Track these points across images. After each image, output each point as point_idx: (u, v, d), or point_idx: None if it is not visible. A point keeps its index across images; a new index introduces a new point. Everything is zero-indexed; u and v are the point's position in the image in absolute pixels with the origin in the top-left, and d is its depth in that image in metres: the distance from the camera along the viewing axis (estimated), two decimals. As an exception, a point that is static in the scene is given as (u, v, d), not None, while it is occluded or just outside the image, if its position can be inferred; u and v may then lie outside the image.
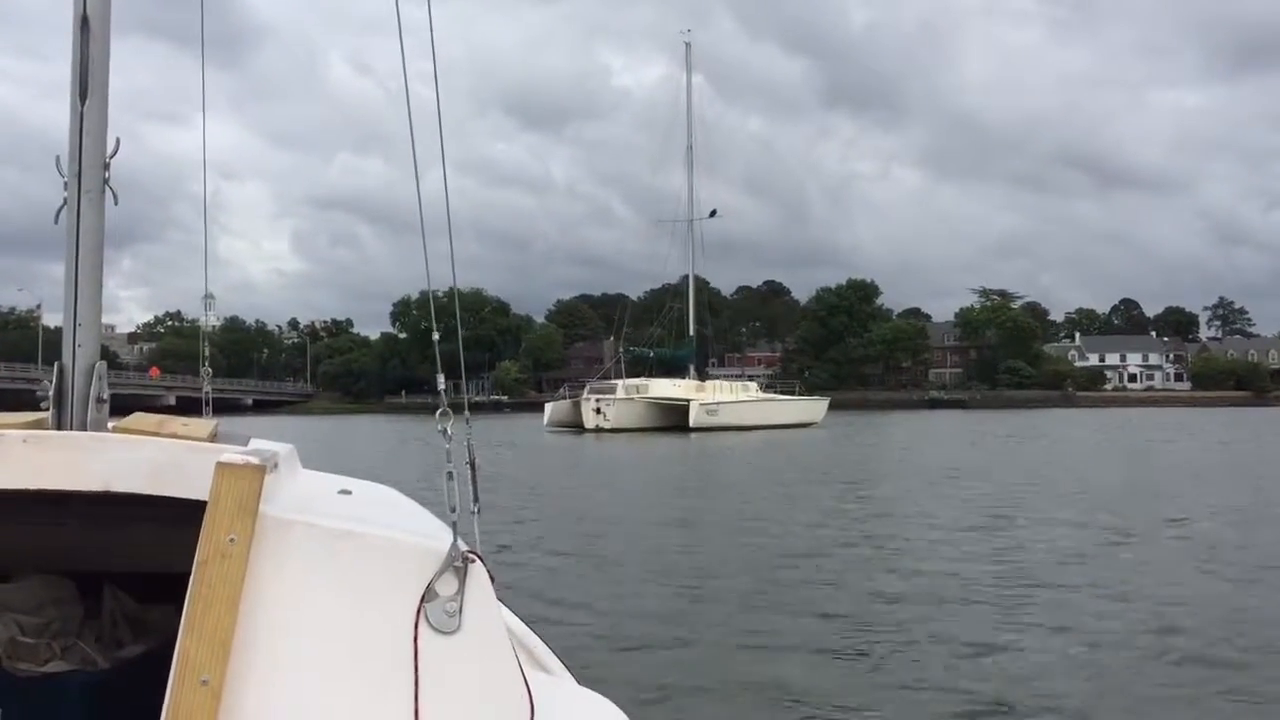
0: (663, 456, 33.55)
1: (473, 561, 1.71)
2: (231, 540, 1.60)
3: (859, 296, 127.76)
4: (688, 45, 69.13)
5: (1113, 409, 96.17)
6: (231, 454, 1.67)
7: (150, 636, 2.20)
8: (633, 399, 55.26)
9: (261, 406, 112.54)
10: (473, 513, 2.15)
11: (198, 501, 1.67)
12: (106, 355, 2.23)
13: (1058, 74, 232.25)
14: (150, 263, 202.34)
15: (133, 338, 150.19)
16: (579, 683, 2.43)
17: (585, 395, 55.90)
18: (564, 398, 60.11)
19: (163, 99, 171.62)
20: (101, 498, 1.81)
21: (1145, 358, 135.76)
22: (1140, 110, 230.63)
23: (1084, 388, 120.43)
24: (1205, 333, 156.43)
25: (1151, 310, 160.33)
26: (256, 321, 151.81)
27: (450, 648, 1.65)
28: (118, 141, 2.14)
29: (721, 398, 57.07)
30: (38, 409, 2.08)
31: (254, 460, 1.65)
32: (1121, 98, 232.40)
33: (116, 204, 2.14)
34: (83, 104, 2.07)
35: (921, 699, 6.31)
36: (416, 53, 2.31)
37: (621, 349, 69.05)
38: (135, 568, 2.34)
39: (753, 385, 66.63)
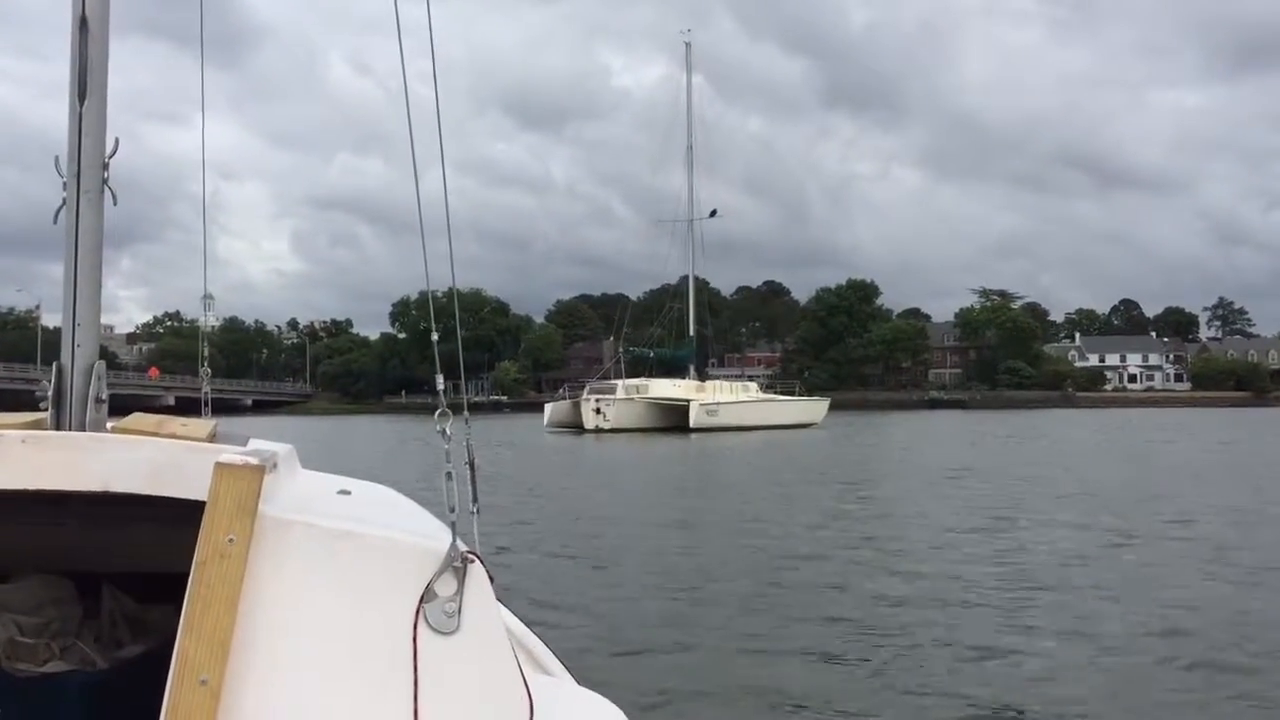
0: (663, 457, 33.56)
1: (472, 562, 1.71)
2: (230, 540, 1.60)
3: (859, 297, 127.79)
4: (688, 45, 69.21)
5: (1113, 409, 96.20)
6: (230, 454, 1.67)
7: (149, 636, 2.20)
8: (633, 399, 55.26)
9: (261, 407, 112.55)
10: (472, 513, 2.15)
11: (197, 501, 1.67)
12: (105, 355, 2.23)
13: (1058, 74, 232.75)
14: (149, 263, 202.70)
15: (132, 338, 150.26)
16: (578, 683, 2.43)
17: (585, 395, 55.90)
18: (564, 398, 60.10)
19: (162, 99, 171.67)
20: (100, 498, 1.81)
21: (1145, 358, 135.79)
22: (1140, 110, 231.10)
23: (1084, 388, 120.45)
24: (1205, 333, 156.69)
25: (1151, 310, 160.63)
26: (256, 322, 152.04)
27: (449, 648, 1.65)
28: (117, 141, 2.14)
29: (721, 398, 57.06)
30: (37, 409, 2.08)
31: (253, 460, 1.65)
32: (1121, 98, 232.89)
33: (115, 204, 2.14)
34: (82, 104, 2.07)
35: (925, 704, 6.24)
36: (416, 52, 2.31)
37: (621, 349, 69.05)
38: (134, 568, 2.34)
39: (753, 385, 66.64)
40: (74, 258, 2.07)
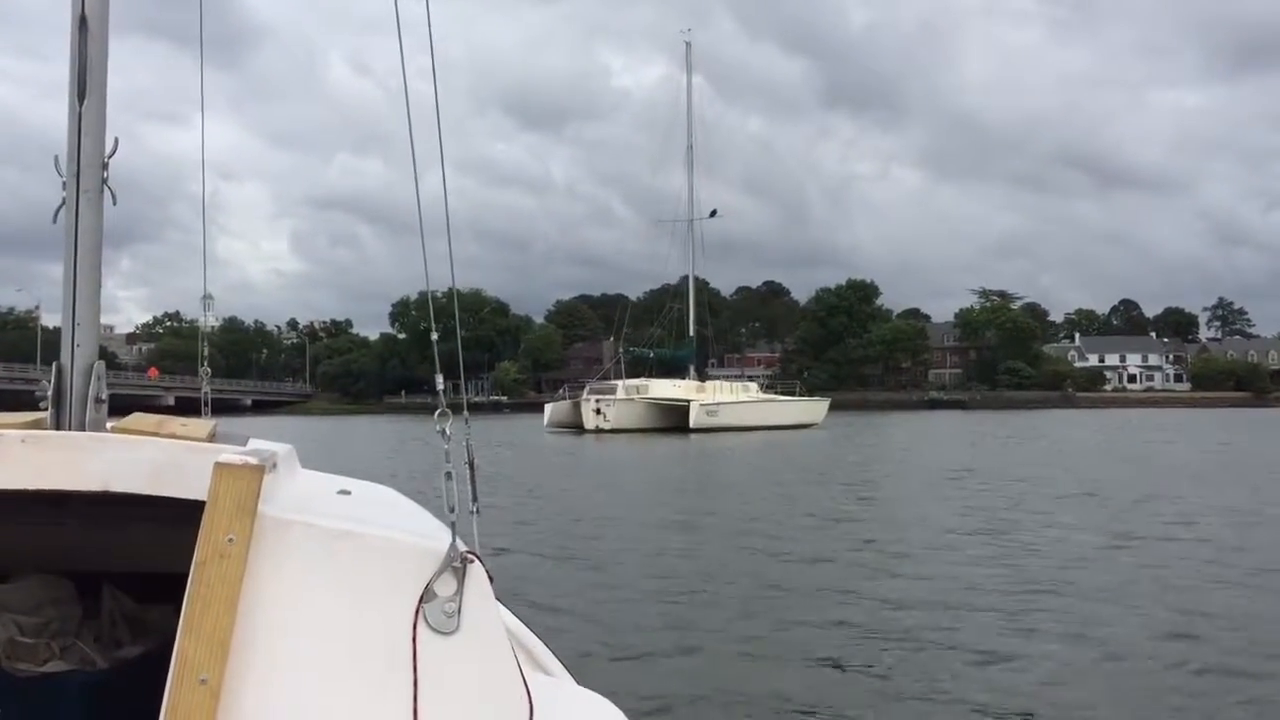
0: (663, 457, 33.55)
1: (471, 562, 1.71)
2: (230, 540, 1.60)
3: (859, 297, 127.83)
4: (688, 45, 69.24)
5: (1112, 410, 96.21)
6: (230, 454, 1.67)
7: (149, 636, 2.20)
8: (632, 400, 55.23)
9: (260, 407, 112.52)
10: (472, 513, 2.15)
11: (196, 501, 1.67)
12: (105, 355, 2.22)
13: (1058, 74, 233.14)
14: (149, 263, 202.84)
15: (131, 338, 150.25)
16: (578, 683, 2.43)
17: (585, 396, 55.89)
18: (564, 398, 60.09)
19: (161, 99, 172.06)
20: (100, 498, 1.81)
21: (1145, 358, 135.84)
22: (1140, 110, 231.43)
23: (1084, 388, 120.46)
24: (1205, 333, 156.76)
25: (1151, 311, 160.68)
26: (255, 322, 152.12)
27: (449, 648, 1.65)
28: (116, 141, 2.14)
29: (721, 398, 57.05)
30: (36, 409, 2.09)
31: (253, 460, 1.65)
32: (1121, 98, 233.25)
33: (115, 204, 2.14)
34: (81, 104, 2.07)
35: (929, 710, 6.17)
36: (416, 52, 2.31)
37: (621, 349, 68.99)
38: (134, 568, 2.34)
39: (753, 386, 66.61)
40: (73, 258, 2.07)
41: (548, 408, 58.32)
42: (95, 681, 2.04)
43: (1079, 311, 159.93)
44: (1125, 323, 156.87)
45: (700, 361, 69.92)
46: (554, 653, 2.65)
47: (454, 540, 1.73)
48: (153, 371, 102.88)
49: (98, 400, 2.05)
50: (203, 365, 3.78)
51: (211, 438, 1.98)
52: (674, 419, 52.53)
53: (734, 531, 14.09)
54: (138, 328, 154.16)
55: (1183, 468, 25.33)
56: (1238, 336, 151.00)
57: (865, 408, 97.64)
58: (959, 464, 26.96)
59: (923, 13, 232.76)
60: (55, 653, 2.07)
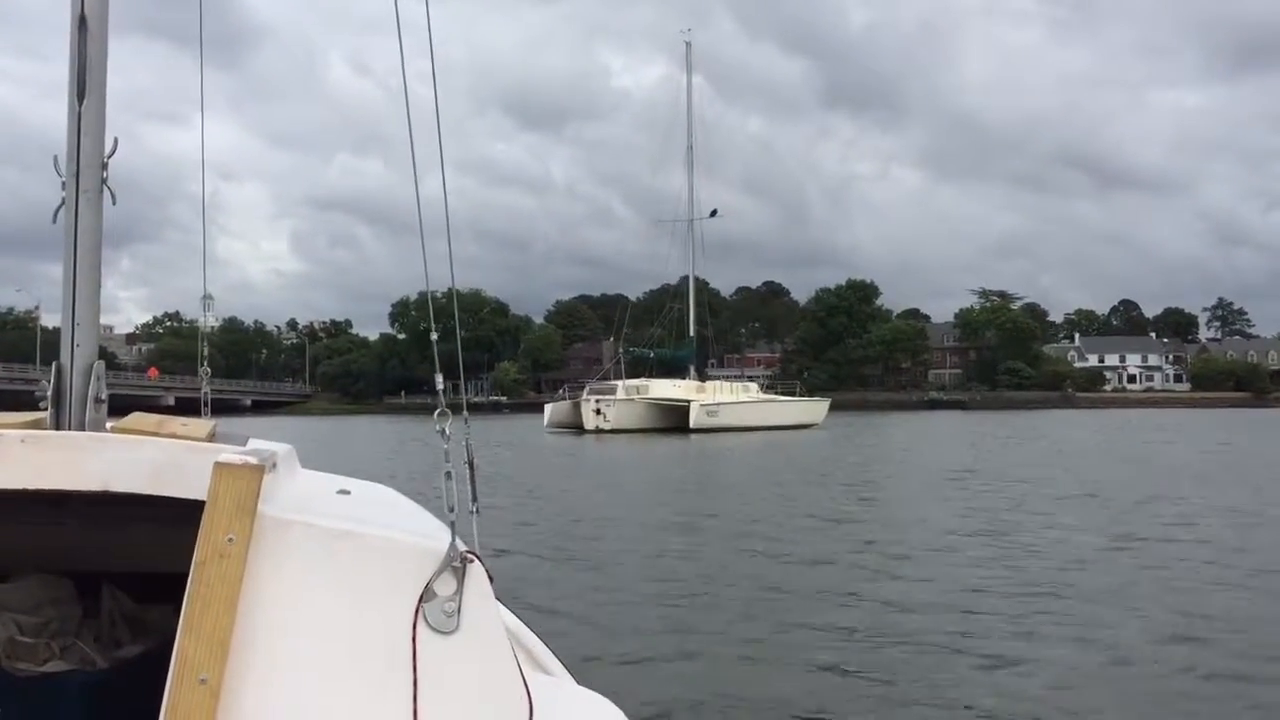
0: (663, 458, 33.54)
1: (471, 561, 1.71)
2: (230, 540, 1.60)
3: (858, 297, 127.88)
4: (688, 45, 69.29)
5: (1112, 410, 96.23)
6: (230, 454, 1.67)
7: (149, 636, 2.20)
8: (633, 400, 55.25)
9: (260, 407, 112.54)
10: (472, 513, 2.15)
11: (196, 501, 1.67)
12: (105, 355, 2.22)
13: (1058, 74, 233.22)
14: (149, 263, 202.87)
15: (131, 338, 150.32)
16: (578, 684, 2.43)
17: (585, 396, 55.91)
18: (564, 398, 60.12)
19: (161, 99, 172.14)
20: (100, 498, 1.81)
21: (1145, 359, 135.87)
22: (1140, 110, 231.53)
23: (1083, 389, 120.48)
24: (1205, 333, 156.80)
25: (1151, 311, 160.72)
26: (255, 322, 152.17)
27: (449, 648, 1.65)
28: (116, 141, 2.14)
29: (721, 399, 57.06)
30: (36, 409, 2.08)
31: (252, 460, 1.65)
32: (1121, 98, 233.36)
33: (115, 204, 2.14)
34: (81, 104, 2.07)
35: (932, 714, 6.12)
36: (416, 52, 2.31)
37: (621, 350, 69.01)
38: (134, 568, 2.34)
39: (753, 386, 66.64)
40: (73, 257, 2.07)
41: (547, 408, 58.32)
42: (95, 681, 2.04)
43: (1079, 312, 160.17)
44: (1125, 323, 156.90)
45: (700, 362, 69.90)
46: (554, 652, 2.65)
47: (454, 540, 1.73)
48: (152, 371, 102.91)
49: (97, 400, 2.05)
50: (202, 365, 3.78)
51: (211, 438, 1.98)
52: (674, 419, 52.54)
53: (734, 533, 14.08)
54: (137, 328, 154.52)
55: (1183, 468, 25.32)
56: (1237, 337, 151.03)
57: (865, 408, 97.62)
58: (959, 465, 26.95)
59: (923, 13, 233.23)
60: (55, 652, 2.07)
